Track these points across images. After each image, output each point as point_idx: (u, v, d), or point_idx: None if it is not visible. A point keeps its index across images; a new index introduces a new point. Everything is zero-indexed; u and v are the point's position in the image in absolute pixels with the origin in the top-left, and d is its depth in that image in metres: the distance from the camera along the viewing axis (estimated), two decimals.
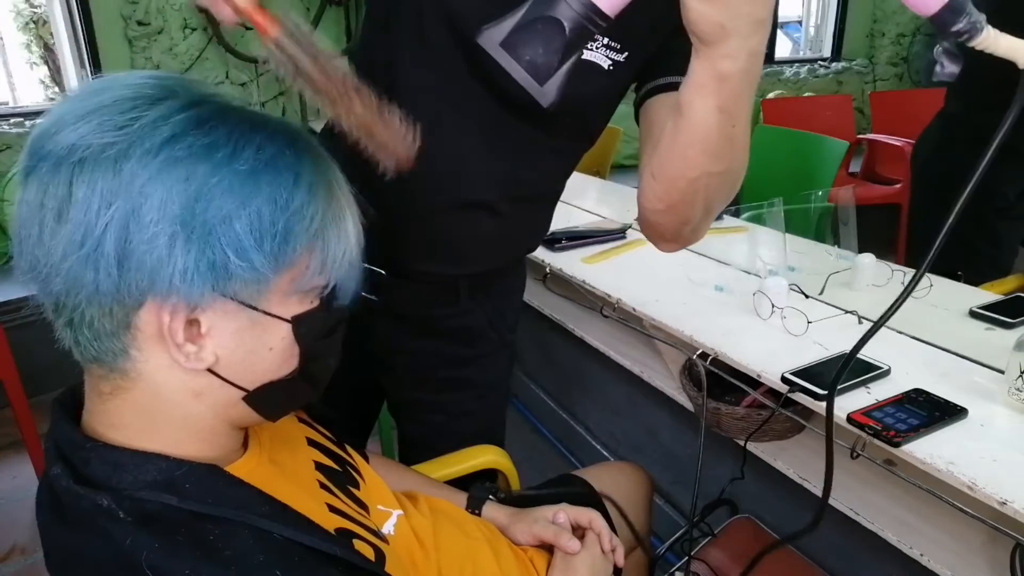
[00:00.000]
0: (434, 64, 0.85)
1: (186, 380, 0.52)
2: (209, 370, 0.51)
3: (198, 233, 0.47)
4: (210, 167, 0.47)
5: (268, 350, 0.53)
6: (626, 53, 0.83)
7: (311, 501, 0.62)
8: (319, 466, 0.70)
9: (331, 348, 0.59)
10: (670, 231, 0.80)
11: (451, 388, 1.10)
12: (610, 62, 0.83)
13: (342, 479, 0.71)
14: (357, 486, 0.73)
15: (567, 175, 1.02)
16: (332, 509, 0.64)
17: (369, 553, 0.62)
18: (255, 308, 0.51)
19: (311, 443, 0.72)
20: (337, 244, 0.53)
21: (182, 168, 0.46)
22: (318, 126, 1.35)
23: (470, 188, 0.91)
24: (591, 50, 0.82)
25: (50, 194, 0.46)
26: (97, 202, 0.46)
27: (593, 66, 0.83)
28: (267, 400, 0.56)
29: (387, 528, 0.73)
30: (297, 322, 0.53)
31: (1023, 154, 1.63)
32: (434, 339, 1.05)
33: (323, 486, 0.67)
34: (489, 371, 1.11)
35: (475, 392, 1.11)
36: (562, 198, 1.04)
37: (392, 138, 0.61)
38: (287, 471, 0.64)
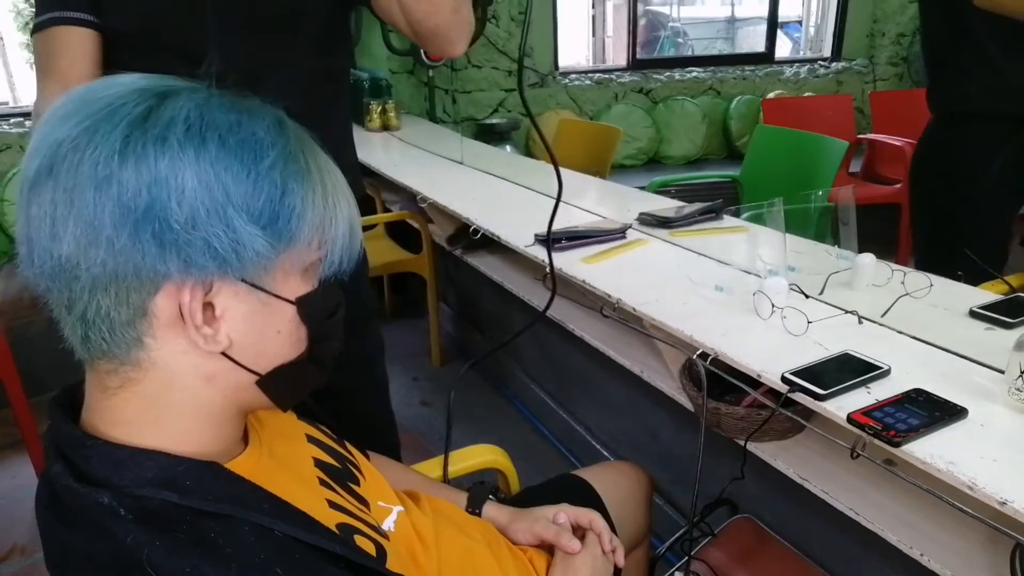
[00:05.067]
0: None
1: (199, 364, 0.53)
2: (223, 354, 0.53)
3: (212, 214, 0.48)
4: (218, 153, 0.49)
5: (276, 333, 0.55)
6: None
7: (311, 497, 0.63)
8: (319, 463, 0.70)
9: (335, 329, 0.62)
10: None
11: None
12: None
13: (342, 475, 0.71)
14: (357, 482, 0.73)
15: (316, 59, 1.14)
16: (333, 505, 0.64)
17: (371, 549, 0.62)
18: (263, 289, 0.53)
19: (311, 440, 0.73)
20: (333, 221, 0.56)
21: (197, 154, 0.48)
22: None
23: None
24: None
25: (61, 192, 0.48)
26: (114, 191, 0.47)
27: None
28: (278, 384, 0.57)
29: (387, 524, 0.73)
30: (301, 303, 0.56)
31: (984, 116, 1.67)
32: None
33: (323, 482, 0.67)
34: None
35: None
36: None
37: None
38: (287, 468, 0.64)
